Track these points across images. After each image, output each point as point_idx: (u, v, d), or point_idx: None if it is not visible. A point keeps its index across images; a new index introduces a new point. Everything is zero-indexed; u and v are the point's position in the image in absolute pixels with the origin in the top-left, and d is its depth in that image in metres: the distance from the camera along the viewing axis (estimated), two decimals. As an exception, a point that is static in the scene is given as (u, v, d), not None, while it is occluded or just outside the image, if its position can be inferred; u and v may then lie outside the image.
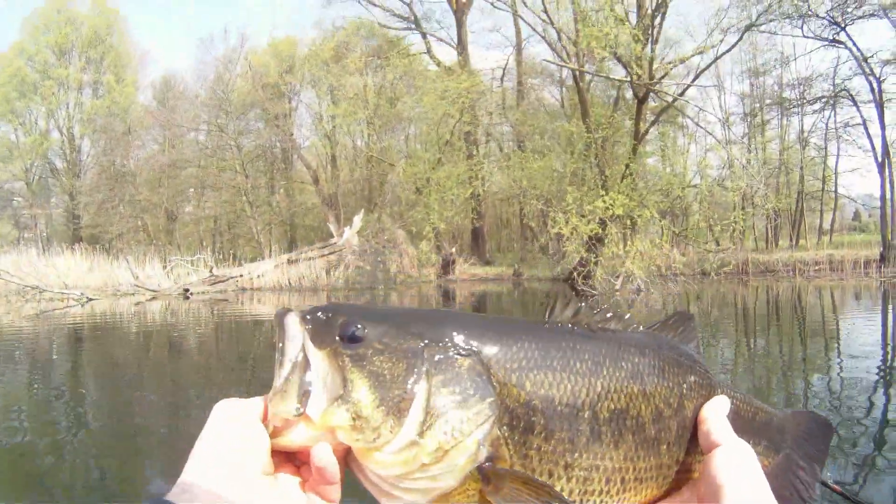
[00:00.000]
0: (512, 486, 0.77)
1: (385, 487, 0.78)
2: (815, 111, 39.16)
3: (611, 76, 29.26)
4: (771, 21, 30.53)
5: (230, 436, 0.75)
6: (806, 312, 17.16)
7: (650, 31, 27.11)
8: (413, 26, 39.31)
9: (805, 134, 40.22)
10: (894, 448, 5.45)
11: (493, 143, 37.99)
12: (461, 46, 37.83)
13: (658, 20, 28.13)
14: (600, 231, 25.10)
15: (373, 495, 0.79)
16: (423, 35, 39.16)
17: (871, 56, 33.60)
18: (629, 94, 29.65)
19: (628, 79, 26.82)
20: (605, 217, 24.85)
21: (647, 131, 28.76)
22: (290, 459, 0.80)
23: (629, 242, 25.09)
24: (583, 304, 0.92)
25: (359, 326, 0.79)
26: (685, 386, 0.94)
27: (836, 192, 40.04)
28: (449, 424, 0.76)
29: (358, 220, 30.54)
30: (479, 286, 28.21)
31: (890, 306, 18.15)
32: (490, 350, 0.82)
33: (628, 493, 0.87)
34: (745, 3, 28.81)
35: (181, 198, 44.27)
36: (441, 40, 39.26)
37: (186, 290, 26.47)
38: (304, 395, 0.76)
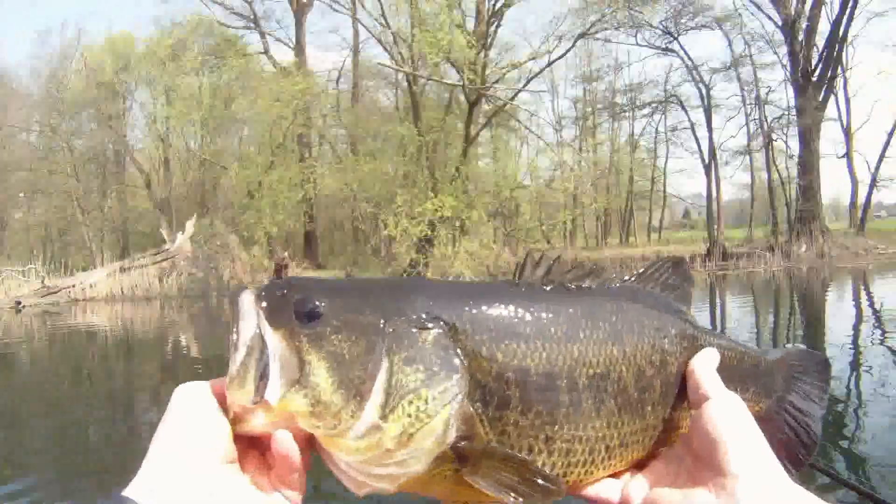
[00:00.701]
0: (489, 463, 0.76)
1: (353, 474, 0.77)
2: (644, 116, 44.15)
3: (443, 80, 30.83)
4: (605, 29, 33.62)
5: (189, 424, 0.74)
6: None
7: (485, 38, 29.23)
8: (252, 25, 39.89)
9: (635, 137, 45.05)
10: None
11: (327, 146, 38.85)
12: (299, 47, 38.87)
13: (494, 27, 30.50)
14: (430, 233, 26.49)
15: (343, 482, 0.79)
16: (262, 34, 39.81)
17: (702, 65, 38.53)
18: (463, 97, 31.16)
19: (460, 83, 28.58)
20: (435, 219, 26.29)
21: (477, 134, 30.57)
22: (255, 444, 0.79)
23: (458, 243, 26.80)
24: (555, 260, 0.90)
25: (316, 302, 0.77)
26: (667, 340, 0.92)
27: (664, 191, 44.91)
28: (413, 405, 0.74)
29: (190, 226, 30.77)
30: (311, 291, 28.95)
31: (717, 298, 20.45)
32: (457, 319, 0.79)
33: (614, 461, 0.86)
34: (582, 11, 31.79)
35: (11, 203, 43.02)
36: (279, 40, 40.18)
37: (18, 303, 25.99)
38: (262, 380, 0.73)
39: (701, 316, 15.65)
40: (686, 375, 0.89)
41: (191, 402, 0.76)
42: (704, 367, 0.87)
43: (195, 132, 39.88)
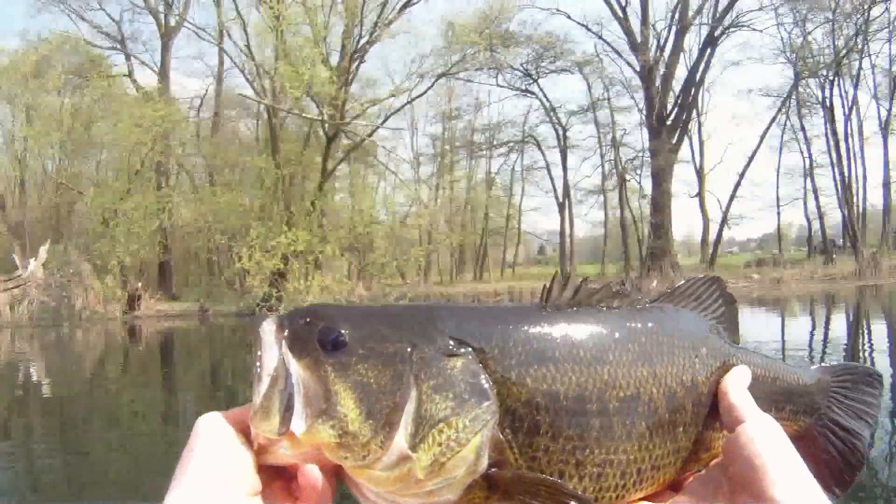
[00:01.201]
0: (521, 489, 0.77)
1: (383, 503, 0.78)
2: (501, 154, 47.89)
3: (303, 114, 32.37)
4: (467, 69, 36.40)
5: (214, 455, 0.76)
6: None
7: (347, 73, 31.05)
8: (118, 46, 40.84)
9: (492, 175, 48.39)
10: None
11: (185, 175, 39.36)
12: (163, 71, 39.96)
13: (357, 63, 32.35)
14: (283, 266, 27.83)
15: None
16: (127, 56, 40.88)
17: (560, 106, 42.70)
18: (322, 131, 32.77)
19: (320, 118, 30.34)
20: (288, 253, 27.68)
21: (333, 169, 32.28)
22: (279, 474, 0.80)
23: (311, 278, 27.90)
24: (582, 282, 0.92)
25: (341, 331, 0.79)
26: (697, 359, 0.93)
27: (519, 228, 48.17)
28: (444, 434, 0.75)
29: (44, 252, 30.69)
30: (165, 323, 29.07)
31: None
32: (485, 344, 0.81)
33: (645, 484, 0.88)
34: (444, 51, 34.38)
35: None
36: (144, 63, 41.05)
37: None
38: (287, 412, 0.75)
39: None
40: (718, 396, 0.92)
41: (214, 432, 0.78)
42: (736, 387, 0.90)
43: (53, 154, 40.14)
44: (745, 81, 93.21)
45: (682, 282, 1.02)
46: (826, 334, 18.48)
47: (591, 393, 0.83)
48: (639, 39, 40.66)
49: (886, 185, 48.60)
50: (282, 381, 0.76)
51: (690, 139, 45.48)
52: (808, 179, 49.09)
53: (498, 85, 42.12)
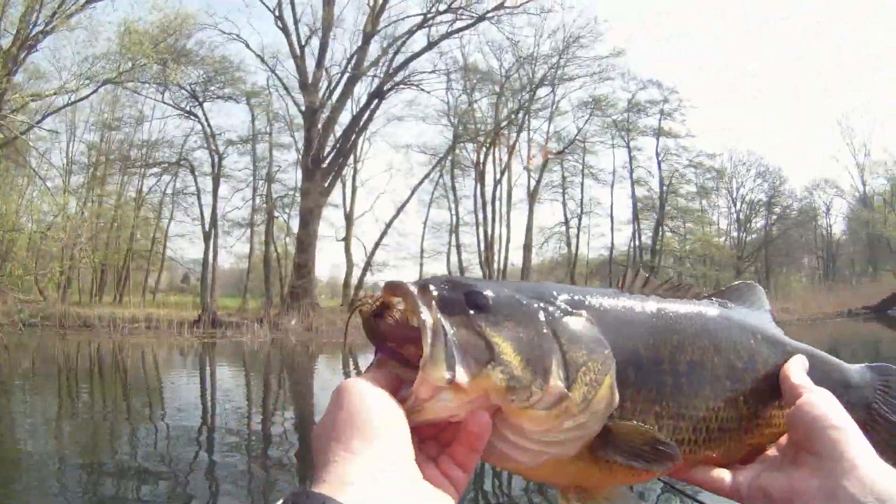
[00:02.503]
0: (620, 433, 1.03)
1: (531, 445, 0.98)
2: (154, 174, 50.40)
3: None
4: (135, 80, 39.45)
5: (376, 421, 0.84)
6: (128, 368, 22.46)
7: (15, 62, 32.39)
8: None
9: (143, 194, 50.87)
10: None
11: None
12: None
13: (25, 53, 33.72)
14: None
15: (510, 457, 0.99)
16: None
17: (220, 133, 46.06)
18: None
19: None
20: None
21: None
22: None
23: None
24: (650, 275, 1.22)
25: (484, 295, 0.99)
26: (754, 342, 1.23)
27: (163, 253, 51.18)
28: (588, 375, 0.98)
29: None
30: None
31: (207, 365, 24.85)
32: (592, 310, 1.08)
33: (714, 443, 1.14)
34: (118, 56, 36.92)
35: None
36: None
37: None
38: (451, 363, 0.90)
39: (192, 380, 19.25)
40: (780, 378, 1.18)
41: (369, 398, 0.86)
42: (797, 369, 1.15)
43: None
44: (405, 136, 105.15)
45: (732, 284, 1.35)
46: None
47: (664, 355, 1.13)
48: (310, 80, 44.87)
49: (528, 247, 58.82)
50: (442, 335, 0.92)
51: (344, 184, 51.48)
52: (454, 235, 57.50)
53: (163, 101, 44.53)
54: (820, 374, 1.24)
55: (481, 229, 55.45)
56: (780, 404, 1.21)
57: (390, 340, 0.99)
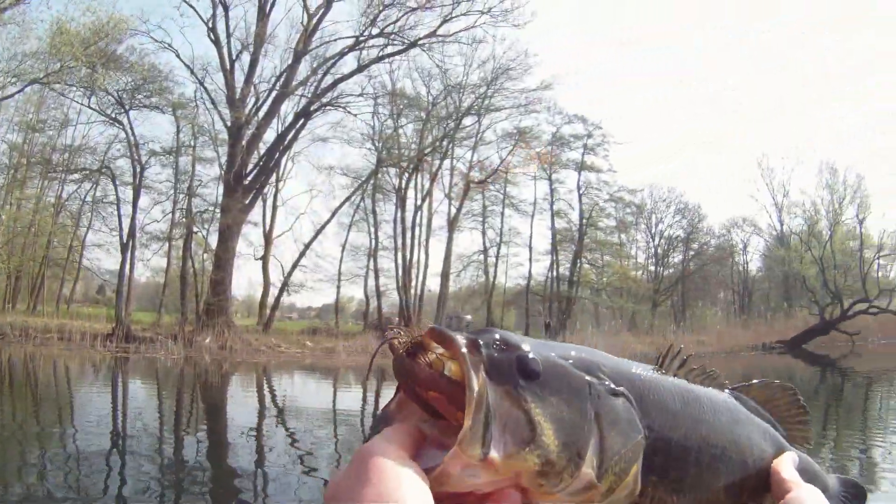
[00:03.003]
0: None
1: None
2: (75, 181, 49.52)
3: None
4: (62, 82, 39.13)
5: (405, 487, 0.78)
6: (39, 380, 22.22)
7: None
8: None
9: (62, 200, 50.14)
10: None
11: None
12: None
13: None
14: None
15: None
16: None
17: (144, 143, 45.42)
18: None
19: None
20: None
21: None
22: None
23: None
24: (688, 357, 1.22)
25: (536, 362, 0.93)
26: (762, 440, 1.26)
27: (80, 263, 50.49)
28: (617, 465, 0.95)
29: None
30: None
31: (120, 381, 24.24)
32: (632, 389, 1.04)
33: None
34: (47, 56, 36.81)
35: None
36: None
37: None
38: (488, 439, 0.84)
39: (104, 396, 19.05)
40: (771, 472, 1.22)
41: (398, 475, 0.80)
42: (788, 465, 1.18)
43: None
44: (329, 157, 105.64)
45: (756, 381, 1.38)
46: (377, 403, 21.22)
47: (692, 445, 1.12)
48: (238, 95, 44.46)
49: (445, 275, 59.51)
50: (484, 406, 0.85)
51: (264, 202, 51.73)
52: (372, 259, 57.99)
53: (89, 106, 43.93)
54: (805, 476, 1.28)
55: (400, 254, 55.78)
56: (770, 499, 1.25)
57: (419, 384, 0.93)
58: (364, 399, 23.72)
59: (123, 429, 13.76)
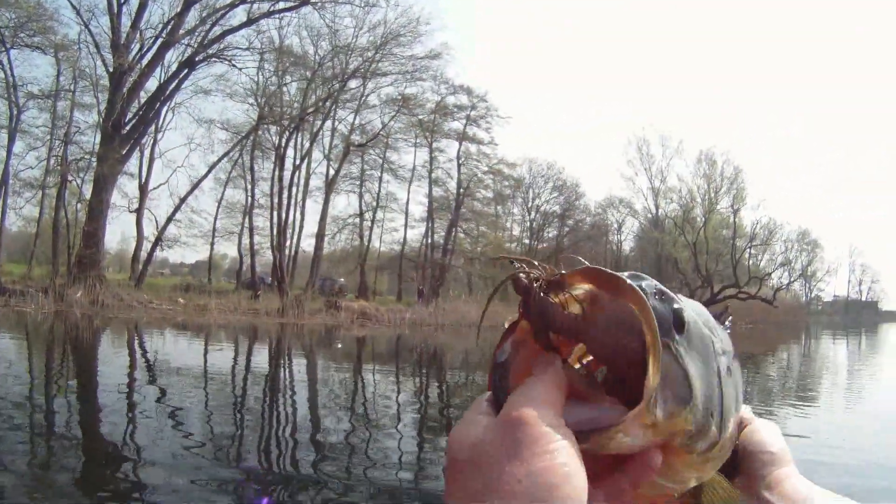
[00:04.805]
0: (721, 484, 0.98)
1: (666, 483, 0.87)
2: None
3: None
4: None
5: (566, 463, 0.68)
6: None
7: None
8: None
9: None
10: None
11: None
12: None
13: None
14: None
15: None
16: None
17: (22, 85, 45.06)
18: None
19: None
20: None
21: None
22: None
23: None
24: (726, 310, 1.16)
25: (686, 314, 0.83)
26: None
27: None
28: (731, 420, 0.91)
29: None
30: None
31: None
32: (729, 346, 0.98)
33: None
34: None
35: None
36: None
37: None
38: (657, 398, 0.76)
39: None
40: None
41: (557, 446, 0.69)
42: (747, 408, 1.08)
43: None
44: (210, 110, 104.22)
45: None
46: (248, 363, 22.74)
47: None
48: (122, 40, 44.43)
49: (320, 236, 61.59)
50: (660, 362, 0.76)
51: (142, 153, 52.26)
52: (247, 217, 59.33)
53: None
54: None
55: (275, 213, 56.90)
56: None
57: (553, 326, 0.80)
58: (235, 358, 24.11)
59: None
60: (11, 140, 44.22)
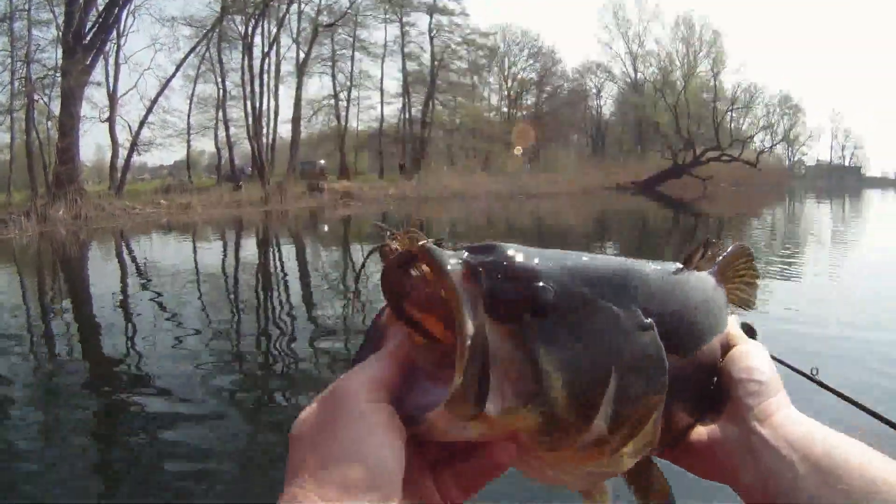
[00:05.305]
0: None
1: (548, 472, 0.80)
2: None
3: None
4: None
5: (372, 446, 0.66)
6: None
7: None
8: None
9: None
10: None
11: None
12: None
13: None
14: None
15: (524, 472, 0.80)
16: None
17: None
18: None
19: None
20: None
21: None
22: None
23: None
24: (714, 249, 0.99)
25: (548, 292, 0.74)
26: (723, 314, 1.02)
27: None
28: (636, 413, 0.78)
29: None
30: None
31: None
32: (662, 316, 0.82)
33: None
34: None
35: None
36: None
37: None
38: (483, 392, 0.68)
39: None
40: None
41: (367, 422, 0.68)
42: (733, 323, 1.01)
43: None
44: (170, 8, 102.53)
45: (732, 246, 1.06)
46: (237, 255, 23.35)
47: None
48: None
49: (297, 120, 61.78)
50: (481, 354, 0.69)
51: (106, 61, 51.27)
52: (221, 110, 59.13)
53: None
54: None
55: (249, 103, 56.58)
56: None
57: (411, 305, 0.76)
58: (224, 253, 24.93)
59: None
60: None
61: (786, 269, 16.50)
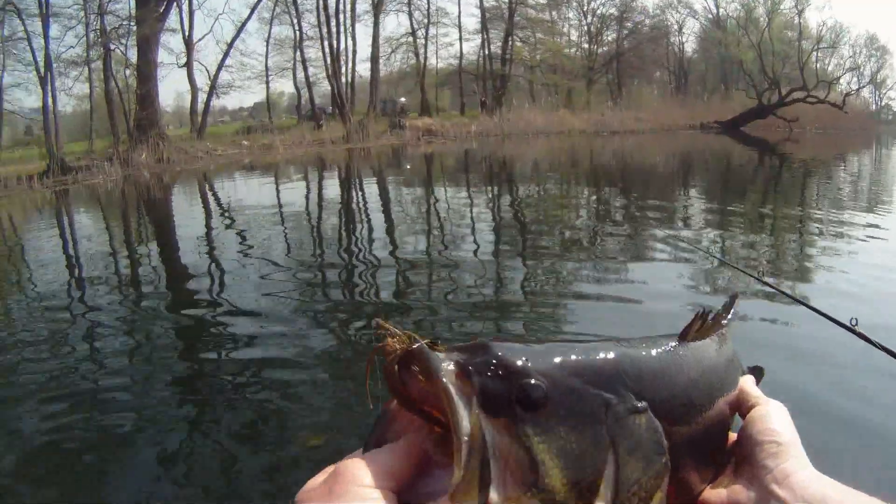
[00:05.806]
0: None
1: None
2: None
3: None
4: None
5: None
6: None
7: None
8: None
9: None
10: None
11: None
12: None
13: None
14: None
15: None
16: None
17: None
18: None
19: None
20: None
21: None
22: None
23: None
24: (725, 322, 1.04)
25: (542, 387, 0.78)
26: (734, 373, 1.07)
27: (0, 107, 45.96)
28: (636, 496, 0.81)
29: None
30: None
31: (64, 212, 23.87)
32: (656, 398, 0.86)
33: None
34: None
35: None
36: None
37: None
38: (486, 483, 0.72)
39: (51, 234, 17.75)
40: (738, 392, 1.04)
41: (371, 501, 0.70)
42: (750, 382, 1.06)
43: None
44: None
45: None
46: (320, 193, 23.41)
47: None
48: None
49: (375, 59, 61.03)
50: (479, 447, 0.73)
51: (180, 8, 51.02)
52: (298, 51, 58.46)
53: None
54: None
55: (326, 43, 56.16)
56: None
57: (414, 400, 0.80)
58: (308, 189, 24.92)
59: (77, 260, 13.67)
60: (46, 25, 41.95)
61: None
